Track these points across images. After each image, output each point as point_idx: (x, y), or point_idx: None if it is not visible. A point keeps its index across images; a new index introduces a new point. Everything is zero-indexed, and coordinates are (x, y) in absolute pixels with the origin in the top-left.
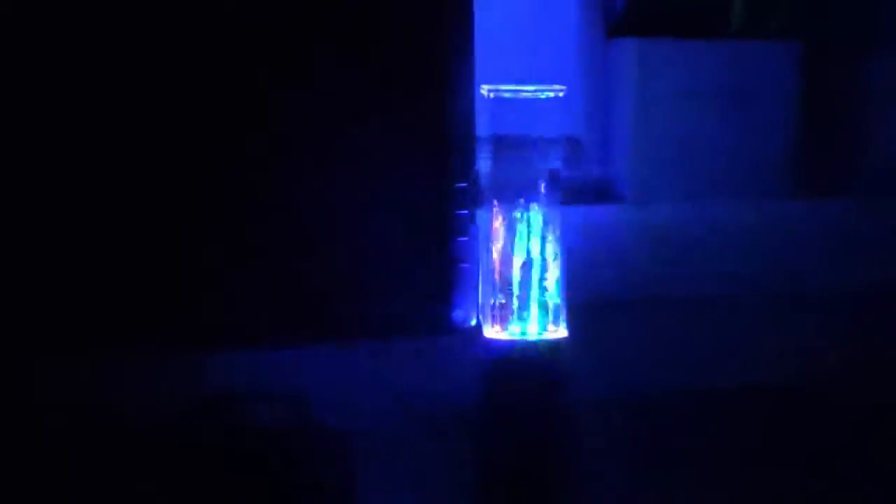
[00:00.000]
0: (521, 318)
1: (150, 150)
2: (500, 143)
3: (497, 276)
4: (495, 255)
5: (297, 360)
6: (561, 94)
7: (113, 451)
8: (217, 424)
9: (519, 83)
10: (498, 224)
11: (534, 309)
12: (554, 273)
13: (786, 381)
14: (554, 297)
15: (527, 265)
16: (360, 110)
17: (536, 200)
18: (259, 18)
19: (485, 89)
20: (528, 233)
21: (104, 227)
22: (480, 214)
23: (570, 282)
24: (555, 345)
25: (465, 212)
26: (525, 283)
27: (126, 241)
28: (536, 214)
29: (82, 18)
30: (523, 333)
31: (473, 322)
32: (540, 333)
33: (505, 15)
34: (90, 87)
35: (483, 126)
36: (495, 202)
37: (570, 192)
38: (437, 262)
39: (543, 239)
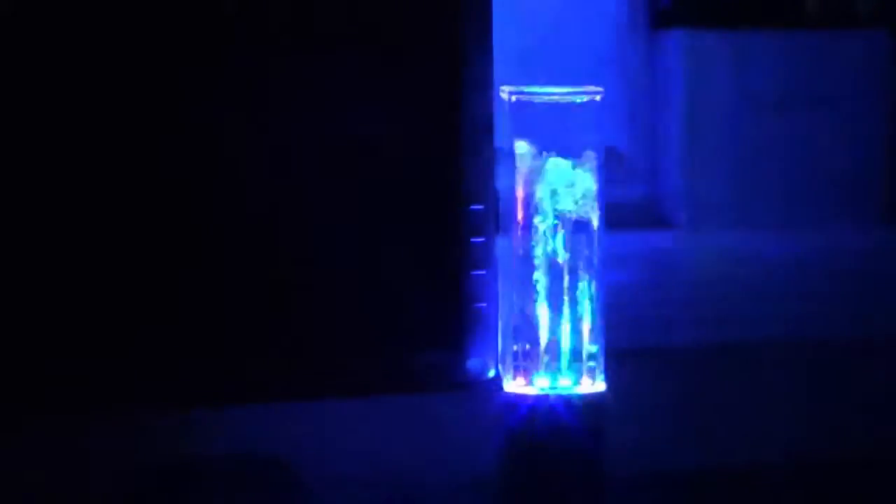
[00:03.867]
0: (549, 370)
1: (112, 180)
2: (524, 157)
3: (520, 319)
4: (518, 292)
5: (278, 421)
6: (598, 98)
7: None
8: (184, 496)
9: (547, 85)
10: (521, 254)
11: (565, 358)
12: (589, 314)
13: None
14: (589, 343)
15: (557, 305)
16: (351, 119)
17: (568, 225)
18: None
19: (505, 91)
20: (559, 265)
21: (67, 267)
22: (500, 243)
23: (610, 325)
24: (591, 401)
25: (482, 240)
26: (555, 326)
27: (94, 281)
28: (568, 243)
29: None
30: (552, 388)
31: (492, 373)
32: (572, 387)
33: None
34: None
35: (503, 136)
36: (518, 228)
37: (611, 215)
38: (448, 301)
39: (577, 273)
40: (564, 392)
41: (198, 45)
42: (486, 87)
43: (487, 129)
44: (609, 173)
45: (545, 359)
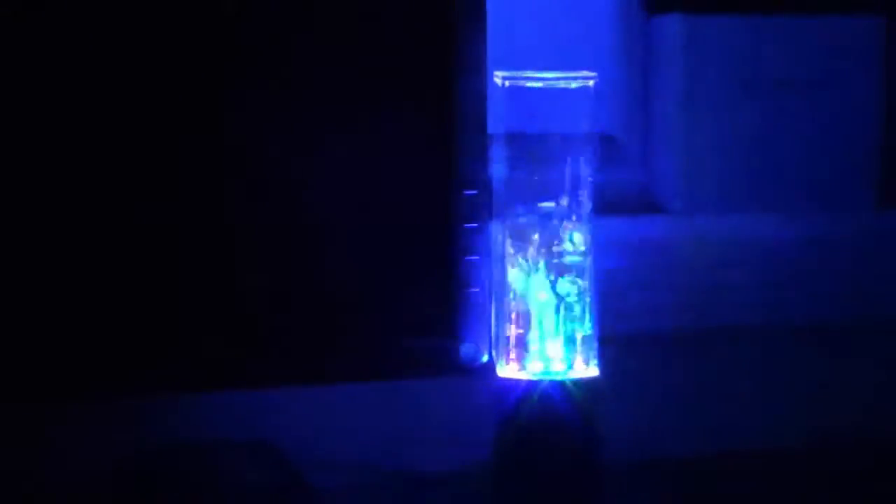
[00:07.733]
0: (543, 354)
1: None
2: (517, 143)
3: (513, 303)
4: (511, 278)
5: (269, 406)
6: (591, 83)
7: None
8: (169, 478)
9: (540, 70)
10: (515, 240)
11: (559, 343)
12: (583, 299)
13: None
14: (583, 328)
15: (550, 289)
16: (344, 104)
17: (561, 211)
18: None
19: (499, 77)
20: (551, 250)
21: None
22: (493, 228)
23: (604, 310)
24: (584, 386)
25: (475, 225)
26: (548, 310)
27: (77, 262)
28: (562, 228)
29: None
30: (546, 372)
31: (485, 359)
32: (566, 372)
33: None
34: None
35: (496, 122)
36: (510, 213)
37: (604, 201)
38: (440, 286)
39: (571, 258)
40: (558, 377)
41: (199, 40)
42: (479, 72)
43: (480, 115)
44: (603, 158)
45: (538, 344)
